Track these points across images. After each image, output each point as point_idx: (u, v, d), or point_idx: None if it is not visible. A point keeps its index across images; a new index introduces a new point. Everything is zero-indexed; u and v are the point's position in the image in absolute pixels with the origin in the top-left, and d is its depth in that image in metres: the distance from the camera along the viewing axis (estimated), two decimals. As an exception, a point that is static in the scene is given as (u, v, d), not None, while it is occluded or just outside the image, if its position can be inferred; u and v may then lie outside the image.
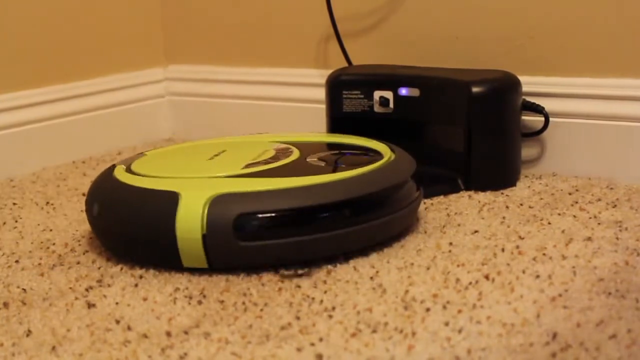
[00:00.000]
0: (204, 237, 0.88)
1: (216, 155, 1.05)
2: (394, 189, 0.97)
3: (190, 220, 0.88)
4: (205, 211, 0.88)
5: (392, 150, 1.05)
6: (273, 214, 0.89)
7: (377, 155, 1.04)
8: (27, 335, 0.78)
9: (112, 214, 0.95)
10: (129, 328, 0.79)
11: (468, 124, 1.16)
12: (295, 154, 1.04)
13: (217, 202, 0.89)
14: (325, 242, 0.91)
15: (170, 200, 0.90)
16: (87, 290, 0.88)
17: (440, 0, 1.31)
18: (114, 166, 1.02)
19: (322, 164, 1.01)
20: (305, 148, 1.07)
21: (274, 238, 0.89)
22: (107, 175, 1.00)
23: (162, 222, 0.89)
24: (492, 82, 1.18)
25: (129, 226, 0.92)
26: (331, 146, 1.11)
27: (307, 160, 1.02)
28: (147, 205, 0.92)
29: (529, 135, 1.23)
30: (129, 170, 1.00)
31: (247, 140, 1.15)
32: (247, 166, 0.99)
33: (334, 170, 0.97)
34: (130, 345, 0.75)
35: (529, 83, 1.22)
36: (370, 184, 0.95)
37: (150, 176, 0.97)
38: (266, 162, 1.00)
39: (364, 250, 0.95)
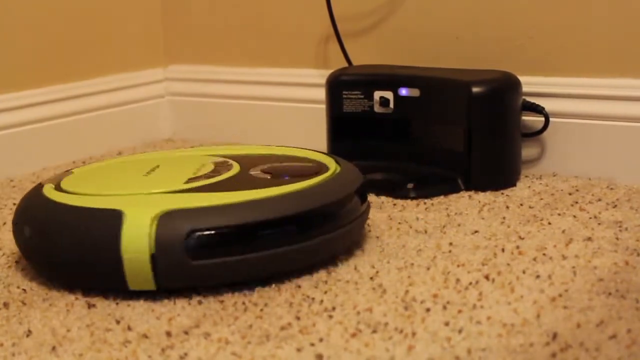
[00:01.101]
0: (152, 257, 0.82)
1: (151, 170, 0.98)
2: (342, 202, 0.92)
3: (137, 240, 0.82)
4: (153, 229, 0.82)
5: (337, 162, 1.00)
6: (226, 230, 0.84)
7: (323, 167, 0.98)
8: (27, 336, 0.78)
9: (46, 237, 0.87)
10: (129, 328, 0.79)
11: (468, 124, 1.16)
12: (236, 168, 0.98)
13: (166, 219, 0.83)
14: (281, 256, 0.86)
15: (113, 218, 0.83)
16: (87, 290, 0.88)
17: (440, 0, 1.31)
18: (41, 185, 0.95)
19: (267, 176, 0.96)
20: (245, 161, 1.01)
21: (227, 255, 0.84)
22: (37, 195, 0.92)
23: (105, 243, 0.83)
24: (492, 82, 1.18)
25: (68, 249, 0.85)
26: (272, 158, 1.04)
27: (251, 173, 0.97)
28: (87, 225, 0.84)
29: (529, 135, 1.23)
30: (58, 188, 0.93)
31: (181, 154, 1.08)
32: (189, 181, 0.93)
33: (280, 184, 0.91)
34: (130, 345, 0.75)
35: (529, 83, 1.22)
36: (323, 195, 0.90)
37: (84, 194, 0.90)
38: (207, 176, 0.95)
39: (363, 250, 0.95)
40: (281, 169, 0.99)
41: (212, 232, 0.83)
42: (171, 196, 0.89)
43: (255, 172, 0.97)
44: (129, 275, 0.83)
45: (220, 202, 0.86)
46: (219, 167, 0.98)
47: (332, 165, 0.99)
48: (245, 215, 0.85)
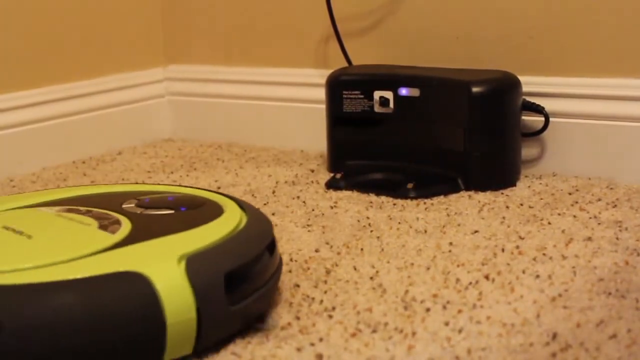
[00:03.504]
0: (198, 313, 0.70)
1: (28, 237, 0.77)
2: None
3: (178, 299, 0.69)
4: (188, 282, 0.70)
5: (242, 208, 0.85)
6: (247, 267, 0.75)
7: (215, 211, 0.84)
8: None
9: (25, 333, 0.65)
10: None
11: (468, 123, 1.16)
12: (125, 220, 0.81)
13: (195, 265, 0.71)
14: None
15: (132, 284, 0.68)
16: None
17: (440, 1, 1.31)
18: None
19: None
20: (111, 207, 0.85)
21: (256, 291, 0.76)
22: None
23: (138, 315, 0.68)
24: (492, 82, 1.18)
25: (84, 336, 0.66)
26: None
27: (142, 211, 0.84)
28: (101, 303, 0.67)
29: (529, 135, 1.23)
30: None
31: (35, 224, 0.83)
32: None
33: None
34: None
35: (529, 83, 1.22)
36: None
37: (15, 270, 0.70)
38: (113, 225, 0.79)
39: (363, 250, 0.95)
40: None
41: (245, 270, 0.75)
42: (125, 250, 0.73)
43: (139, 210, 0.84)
44: (172, 344, 0.69)
45: (207, 240, 0.75)
46: (105, 224, 0.80)
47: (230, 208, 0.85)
48: (251, 250, 0.77)
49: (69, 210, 0.84)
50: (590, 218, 1.03)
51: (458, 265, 0.90)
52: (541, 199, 1.12)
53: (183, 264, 0.71)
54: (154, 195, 0.89)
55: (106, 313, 0.66)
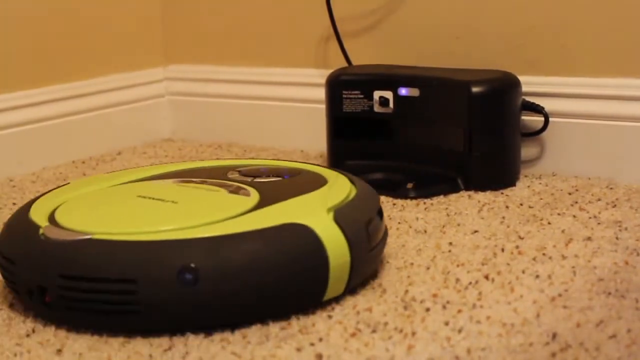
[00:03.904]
0: (351, 257, 0.80)
1: (172, 202, 0.87)
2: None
3: (337, 244, 0.79)
4: (340, 230, 0.80)
5: (352, 182, 0.93)
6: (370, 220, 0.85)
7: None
8: (28, 336, 0.78)
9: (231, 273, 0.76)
10: (130, 328, 0.79)
11: (468, 123, 1.16)
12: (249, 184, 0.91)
13: (340, 217, 0.81)
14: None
15: (299, 233, 0.79)
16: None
17: (440, 1, 1.31)
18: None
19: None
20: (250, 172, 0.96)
21: (378, 245, 0.86)
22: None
23: (309, 258, 0.78)
24: (492, 82, 1.18)
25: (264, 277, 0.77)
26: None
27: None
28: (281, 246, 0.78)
29: (529, 135, 1.23)
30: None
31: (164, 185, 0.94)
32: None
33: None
34: (131, 345, 0.75)
35: (529, 83, 1.22)
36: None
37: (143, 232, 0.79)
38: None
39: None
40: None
41: (374, 222, 0.85)
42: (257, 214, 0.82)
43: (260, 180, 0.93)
44: (332, 284, 0.80)
45: (337, 199, 0.85)
46: (239, 188, 0.90)
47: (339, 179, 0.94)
48: (373, 208, 0.88)
49: (184, 182, 0.93)
50: (590, 218, 1.03)
51: (458, 265, 0.90)
52: (541, 199, 1.12)
53: (331, 215, 0.81)
54: (247, 167, 0.98)
55: (284, 257, 0.78)
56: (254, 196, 0.86)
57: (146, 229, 0.79)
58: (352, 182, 0.92)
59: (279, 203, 0.84)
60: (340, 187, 0.90)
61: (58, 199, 0.90)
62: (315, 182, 0.92)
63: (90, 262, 0.76)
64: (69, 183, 0.98)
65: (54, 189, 0.95)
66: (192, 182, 0.93)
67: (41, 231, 0.80)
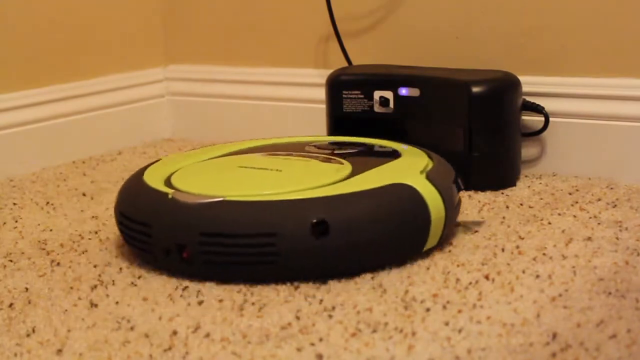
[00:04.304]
0: (446, 213, 0.93)
1: (277, 170, 0.98)
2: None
3: (435, 201, 0.92)
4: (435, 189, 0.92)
5: (429, 156, 1.03)
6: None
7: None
8: (28, 335, 0.78)
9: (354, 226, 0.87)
10: (130, 328, 0.79)
11: (468, 124, 1.16)
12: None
13: (433, 178, 0.94)
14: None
15: (404, 192, 0.91)
16: (89, 290, 0.88)
17: (440, 0, 1.31)
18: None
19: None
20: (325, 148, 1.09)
21: (457, 206, 0.98)
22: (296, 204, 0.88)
23: (414, 213, 0.91)
24: (492, 82, 1.18)
25: (381, 229, 0.88)
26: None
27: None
28: (393, 202, 0.90)
29: (529, 135, 1.23)
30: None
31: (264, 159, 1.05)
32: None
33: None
34: (131, 345, 0.75)
35: (529, 83, 1.22)
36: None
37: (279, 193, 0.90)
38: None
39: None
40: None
41: (455, 185, 0.97)
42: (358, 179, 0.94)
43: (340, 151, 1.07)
44: (432, 236, 0.92)
45: (421, 165, 0.97)
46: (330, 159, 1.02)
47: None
48: (452, 173, 0.99)
49: (271, 155, 1.05)
50: (590, 218, 1.03)
51: (458, 265, 0.90)
52: (541, 198, 1.12)
53: (424, 176, 0.93)
54: (319, 142, 1.12)
55: (397, 211, 0.90)
56: (347, 164, 0.99)
57: (271, 191, 0.90)
58: (424, 151, 1.04)
59: (375, 168, 0.98)
60: (418, 156, 1.02)
61: (162, 172, 1.01)
62: (391, 152, 1.06)
63: (230, 220, 0.87)
64: (160, 159, 1.08)
65: (150, 164, 1.05)
66: (279, 154, 1.04)
67: (170, 196, 0.90)
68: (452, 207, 0.94)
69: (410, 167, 0.97)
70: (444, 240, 0.96)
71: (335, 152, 1.06)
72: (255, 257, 0.86)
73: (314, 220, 0.85)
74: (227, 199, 0.88)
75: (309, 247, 0.86)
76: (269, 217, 0.86)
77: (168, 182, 0.96)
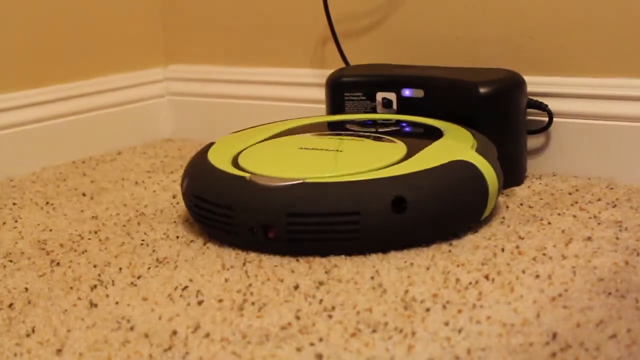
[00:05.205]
0: (498, 186, 1.02)
1: (337, 151, 1.05)
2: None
3: (491, 176, 1.00)
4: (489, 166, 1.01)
5: (470, 132, 1.10)
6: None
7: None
8: (28, 335, 0.78)
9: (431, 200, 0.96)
10: (130, 328, 0.79)
11: (475, 124, 1.15)
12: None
13: (483, 152, 1.02)
14: None
15: (467, 169, 0.98)
16: (88, 290, 0.88)
17: (440, 0, 1.31)
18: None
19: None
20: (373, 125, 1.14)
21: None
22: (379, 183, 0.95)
23: (474, 185, 0.99)
24: (499, 82, 1.16)
25: (451, 202, 0.97)
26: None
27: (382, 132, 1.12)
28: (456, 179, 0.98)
29: (533, 132, 1.22)
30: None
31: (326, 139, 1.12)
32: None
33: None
34: (131, 345, 0.75)
35: (529, 83, 1.21)
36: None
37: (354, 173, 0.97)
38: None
39: (363, 250, 0.95)
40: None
41: (499, 160, 1.05)
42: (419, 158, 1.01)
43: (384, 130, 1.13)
44: (488, 207, 1.00)
45: (469, 143, 1.05)
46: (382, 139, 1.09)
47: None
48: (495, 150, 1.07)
49: (321, 135, 1.12)
50: (590, 218, 1.03)
51: (458, 265, 0.90)
52: (541, 198, 1.12)
53: (477, 153, 1.01)
54: (359, 119, 1.18)
55: (463, 186, 0.98)
56: (400, 143, 1.05)
57: (345, 172, 0.97)
58: (462, 127, 1.11)
59: (429, 147, 1.04)
60: (462, 133, 1.08)
61: (224, 154, 1.05)
62: (434, 129, 1.12)
63: (315, 201, 0.93)
64: (214, 143, 1.11)
65: (207, 147, 1.09)
66: (329, 134, 1.13)
67: (248, 178, 0.96)
68: (501, 180, 1.02)
69: (461, 144, 1.04)
70: (447, 238, 0.96)
71: (379, 130, 1.11)
72: (339, 234, 0.93)
73: (394, 198, 0.93)
74: (307, 180, 0.94)
75: (389, 222, 0.93)
76: (352, 197, 0.93)
77: (236, 164, 1.02)
